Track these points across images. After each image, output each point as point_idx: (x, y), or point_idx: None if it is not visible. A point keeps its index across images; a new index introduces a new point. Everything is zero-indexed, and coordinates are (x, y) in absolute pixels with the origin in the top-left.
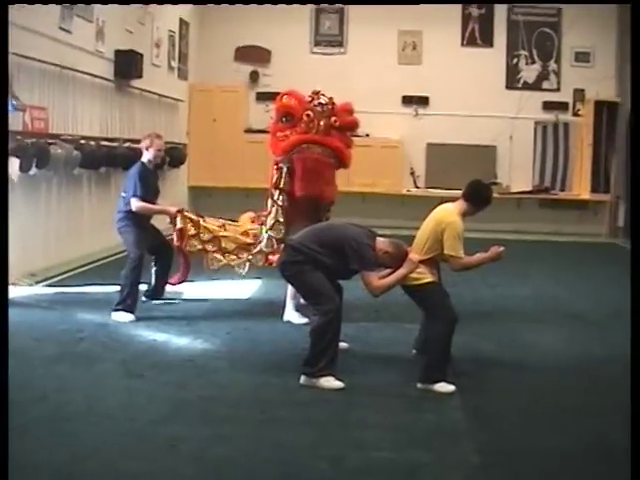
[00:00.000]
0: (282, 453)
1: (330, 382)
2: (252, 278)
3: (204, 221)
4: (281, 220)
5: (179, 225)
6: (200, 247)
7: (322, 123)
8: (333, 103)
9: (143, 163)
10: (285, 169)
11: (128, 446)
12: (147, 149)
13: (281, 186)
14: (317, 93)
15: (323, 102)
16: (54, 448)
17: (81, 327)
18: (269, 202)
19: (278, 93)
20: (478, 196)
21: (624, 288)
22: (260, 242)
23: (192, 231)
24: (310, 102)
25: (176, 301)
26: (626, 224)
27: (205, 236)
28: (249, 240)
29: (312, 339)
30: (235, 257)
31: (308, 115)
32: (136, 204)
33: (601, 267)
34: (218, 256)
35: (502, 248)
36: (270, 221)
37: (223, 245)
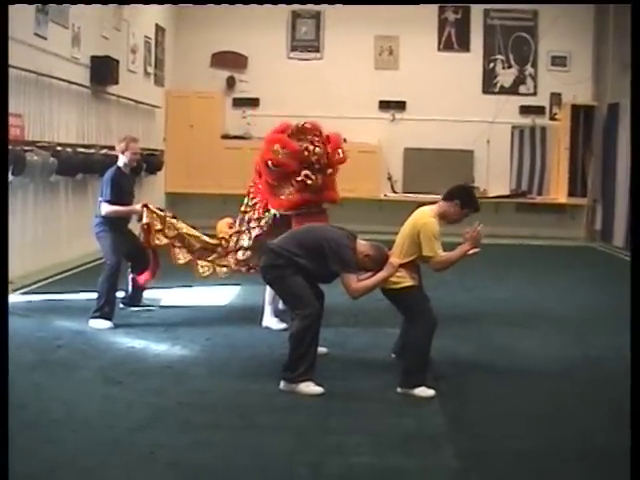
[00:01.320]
0: (261, 459)
1: (310, 387)
2: (231, 284)
3: (171, 217)
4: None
5: (145, 220)
6: (167, 241)
7: (320, 179)
8: (328, 153)
9: (118, 167)
10: (278, 215)
11: (106, 454)
12: (122, 153)
13: (262, 224)
14: (308, 134)
15: (319, 153)
16: (32, 456)
17: (59, 334)
18: (245, 223)
19: (255, 99)
20: (467, 196)
21: (602, 291)
22: (230, 252)
23: (158, 226)
24: (307, 155)
25: (154, 308)
26: (603, 227)
27: (170, 232)
28: (214, 241)
29: (291, 344)
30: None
31: (307, 175)
32: (106, 209)
33: (579, 270)
34: (184, 252)
35: (476, 227)
36: (244, 242)
37: (187, 243)
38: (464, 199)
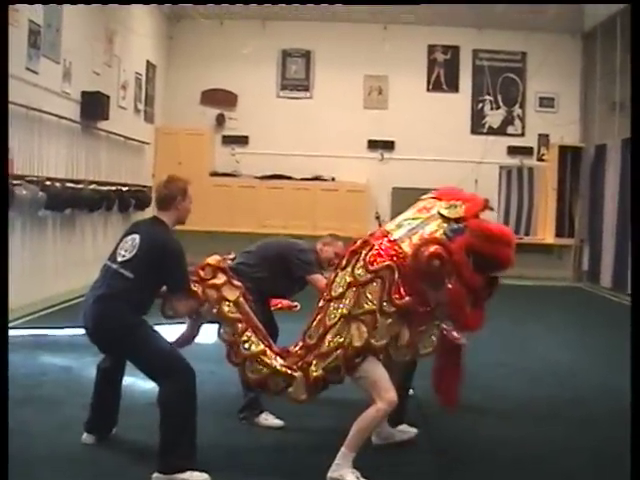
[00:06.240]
0: None
1: (269, 420)
2: (215, 322)
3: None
4: None
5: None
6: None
7: None
8: None
9: None
10: None
11: None
12: None
13: None
14: None
15: None
16: None
17: (44, 370)
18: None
19: (244, 137)
20: None
21: (590, 332)
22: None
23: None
24: None
25: None
26: (591, 268)
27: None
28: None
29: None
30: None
31: None
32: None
33: (566, 311)
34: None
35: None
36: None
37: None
38: None
